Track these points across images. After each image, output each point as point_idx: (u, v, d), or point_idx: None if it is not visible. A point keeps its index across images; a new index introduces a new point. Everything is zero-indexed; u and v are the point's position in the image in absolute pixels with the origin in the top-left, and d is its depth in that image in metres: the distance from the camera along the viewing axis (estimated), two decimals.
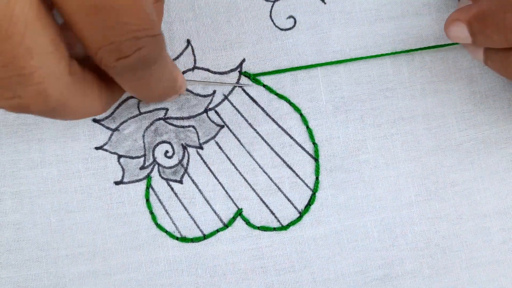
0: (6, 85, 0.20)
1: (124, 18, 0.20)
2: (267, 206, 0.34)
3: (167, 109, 0.34)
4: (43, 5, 0.20)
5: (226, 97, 0.34)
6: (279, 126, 0.34)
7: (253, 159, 0.34)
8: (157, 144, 0.33)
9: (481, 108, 0.35)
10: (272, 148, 0.34)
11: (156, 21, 0.21)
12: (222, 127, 0.34)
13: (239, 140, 0.34)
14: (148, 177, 0.33)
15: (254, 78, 0.34)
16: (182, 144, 0.34)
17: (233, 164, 0.34)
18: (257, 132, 0.34)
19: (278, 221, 0.34)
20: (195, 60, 0.34)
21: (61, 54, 0.21)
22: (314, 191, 0.34)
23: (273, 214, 0.34)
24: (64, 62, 0.21)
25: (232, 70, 0.34)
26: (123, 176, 0.33)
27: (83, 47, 0.21)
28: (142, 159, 0.33)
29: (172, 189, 0.34)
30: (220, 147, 0.34)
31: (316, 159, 0.34)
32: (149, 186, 0.33)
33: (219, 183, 0.34)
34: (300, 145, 0.34)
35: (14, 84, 0.20)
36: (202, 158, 0.34)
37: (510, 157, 0.35)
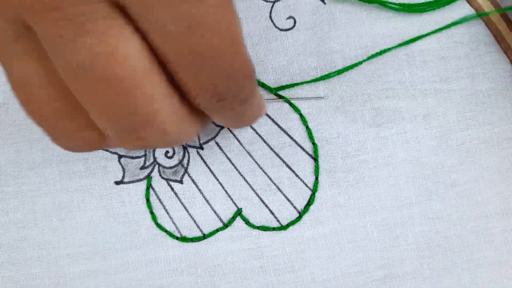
0: (131, 131, 0.21)
1: (225, 65, 0.20)
2: (266, 206, 0.34)
3: None
4: (148, 51, 0.20)
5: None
6: (279, 126, 0.34)
7: (253, 159, 0.34)
8: None
9: (482, 108, 0.34)
10: (271, 148, 0.34)
11: (251, 61, 0.22)
12: (222, 127, 0.34)
13: (239, 140, 0.34)
14: (149, 177, 0.34)
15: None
16: (182, 144, 0.34)
17: (233, 164, 0.34)
18: (257, 133, 0.34)
19: (278, 221, 0.34)
20: None
21: (173, 93, 0.21)
22: (314, 191, 0.34)
23: (273, 214, 0.34)
24: (176, 98, 0.22)
25: None
26: (123, 176, 0.33)
27: (182, 90, 0.22)
28: (143, 159, 0.34)
29: (172, 189, 0.34)
30: (220, 147, 0.34)
31: (315, 159, 0.34)
32: (149, 186, 0.34)
33: (219, 183, 0.34)
34: (299, 145, 0.34)
35: (138, 129, 0.21)
36: (202, 158, 0.34)
37: None
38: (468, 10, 0.35)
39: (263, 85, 0.34)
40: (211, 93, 0.21)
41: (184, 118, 0.23)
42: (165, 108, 0.21)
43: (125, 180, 0.34)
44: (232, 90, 0.21)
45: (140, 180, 0.34)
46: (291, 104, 0.34)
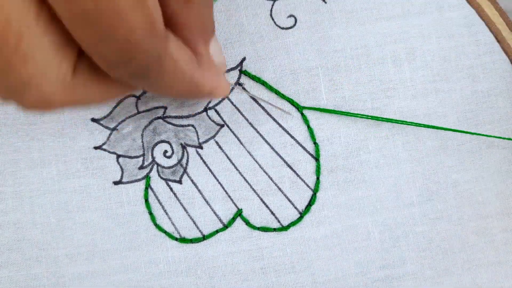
0: (11, 90, 0.20)
1: (111, 28, 0.18)
2: (267, 206, 0.34)
3: (165, 108, 0.33)
4: (44, 5, 0.19)
5: (226, 96, 0.34)
6: (280, 126, 0.34)
7: (253, 158, 0.34)
8: (156, 144, 0.33)
9: (483, 108, 0.34)
10: (272, 148, 0.34)
11: (153, 23, 0.20)
12: (222, 126, 0.34)
13: (239, 140, 0.34)
14: (147, 177, 0.33)
15: (255, 76, 0.34)
16: (181, 144, 0.33)
17: (233, 164, 0.34)
18: (258, 132, 0.34)
19: (279, 221, 0.34)
20: None
21: (63, 57, 0.20)
22: (315, 191, 0.34)
23: (274, 214, 0.34)
24: (66, 64, 0.20)
25: (232, 69, 0.34)
26: (122, 176, 0.33)
27: None
28: (141, 158, 0.33)
29: (171, 189, 0.33)
30: (220, 147, 0.34)
31: (316, 159, 0.34)
32: (148, 186, 0.33)
33: (219, 183, 0.34)
34: (300, 145, 0.34)
35: (17, 90, 0.20)
36: (201, 158, 0.34)
37: None
38: (467, 10, 0.35)
39: (291, 101, 0.34)
40: (101, 57, 0.20)
41: (83, 83, 0.21)
42: (45, 73, 0.20)
43: (124, 180, 0.33)
44: (119, 55, 0.20)
45: (139, 180, 0.33)
46: (292, 103, 0.34)
